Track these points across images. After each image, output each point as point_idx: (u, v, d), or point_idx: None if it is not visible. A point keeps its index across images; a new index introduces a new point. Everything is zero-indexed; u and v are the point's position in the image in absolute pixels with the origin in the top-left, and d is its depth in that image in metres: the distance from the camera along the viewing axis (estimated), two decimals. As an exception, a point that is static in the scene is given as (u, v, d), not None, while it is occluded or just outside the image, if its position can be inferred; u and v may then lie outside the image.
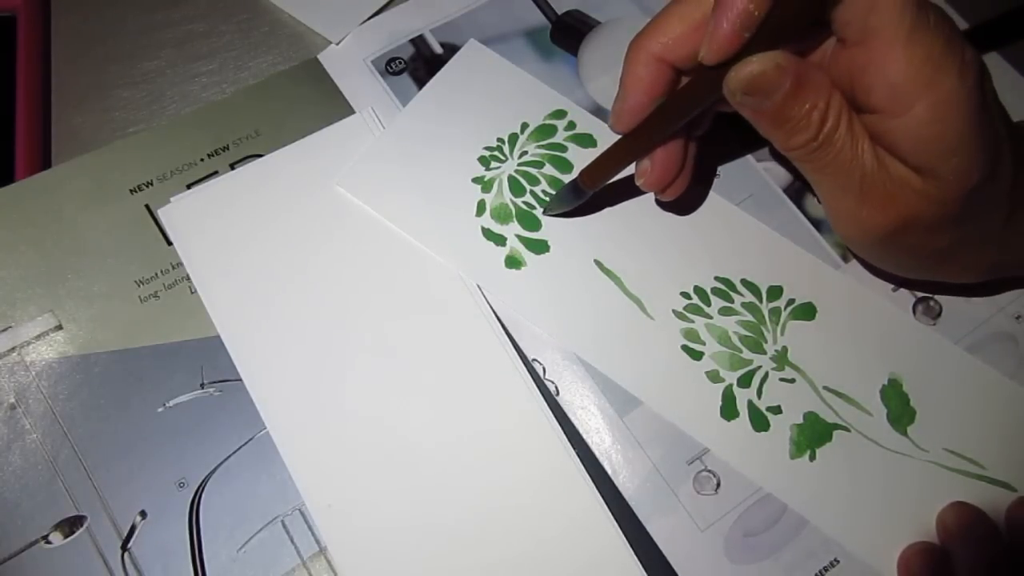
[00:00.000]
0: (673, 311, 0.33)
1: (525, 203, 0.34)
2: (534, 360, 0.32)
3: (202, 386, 0.31)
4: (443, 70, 0.37)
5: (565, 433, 0.30)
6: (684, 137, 0.30)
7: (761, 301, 0.33)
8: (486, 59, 0.38)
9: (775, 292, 0.33)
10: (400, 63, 0.38)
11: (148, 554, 0.28)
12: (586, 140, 0.36)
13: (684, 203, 0.34)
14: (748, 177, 0.36)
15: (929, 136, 0.24)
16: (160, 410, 0.30)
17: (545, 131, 0.36)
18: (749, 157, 0.36)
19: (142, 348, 0.31)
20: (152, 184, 0.34)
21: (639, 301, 0.33)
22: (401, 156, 0.35)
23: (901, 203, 0.26)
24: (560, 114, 0.36)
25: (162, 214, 0.33)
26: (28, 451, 0.30)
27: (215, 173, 0.35)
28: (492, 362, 0.31)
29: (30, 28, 0.38)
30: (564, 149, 0.36)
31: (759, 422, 0.31)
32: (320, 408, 0.30)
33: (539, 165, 0.35)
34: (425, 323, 0.32)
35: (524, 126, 0.36)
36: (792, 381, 0.32)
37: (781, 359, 0.32)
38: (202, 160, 0.35)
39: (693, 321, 0.33)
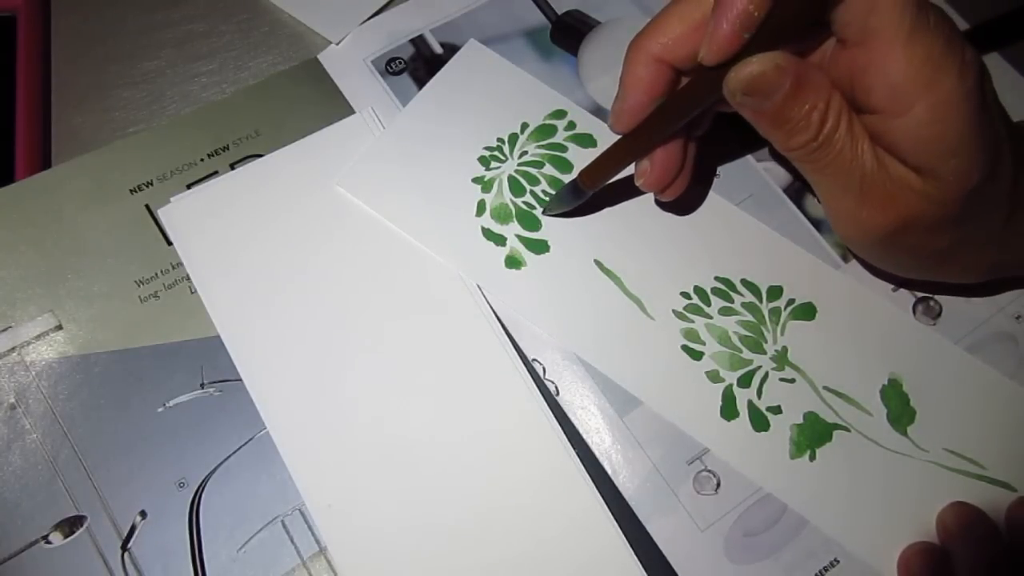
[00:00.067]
0: (673, 311, 0.33)
1: (525, 203, 0.34)
2: (534, 360, 0.32)
3: (202, 386, 0.31)
4: (443, 70, 0.37)
5: (565, 433, 0.30)
6: (684, 137, 0.30)
7: (761, 301, 0.33)
8: (486, 59, 0.38)
9: (775, 292, 0.33)
10: (400, 63, 0.38)
11: (148, 554, 0.28)
12: (586, 140, 0.36)
13: (684, 203, 0.34)
14: (748, 177, 0.36)
15: (929, 136, 0.24)
16: (160, 410, 0.30)
17: (545, 131, 0.36)
18: (749, 157, 0.36)
19: (142, 348, 0.31)
20: (152, 184, 0.34)
21: (639, 301, 0.33)
22: (401, 156, 0.35)
23: (901, 203, 0.26)
24: (560, 114, 0.36)
25: (162, 214, 0.33)
26: (28, 451, 0.30)
27: (215, 173, 0.35)
28: (492, 362, 0.31)
29: (30, 28, 0.38)
30: (564, 149, 0.36)
31: (759, 422, 0.31)
32: (320, 408, 0.30)
33: (539, 165, 0.35)
34: (425, 323, 0.32)
35: (524, 126, 0.36)
36: (792, 381, 0.32)
37: (781, 359, 0.32)
38: (202, 160, 0.35)
39: (693, 321, 0.33)
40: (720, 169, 0.36)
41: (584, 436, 0.31)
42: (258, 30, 0.40)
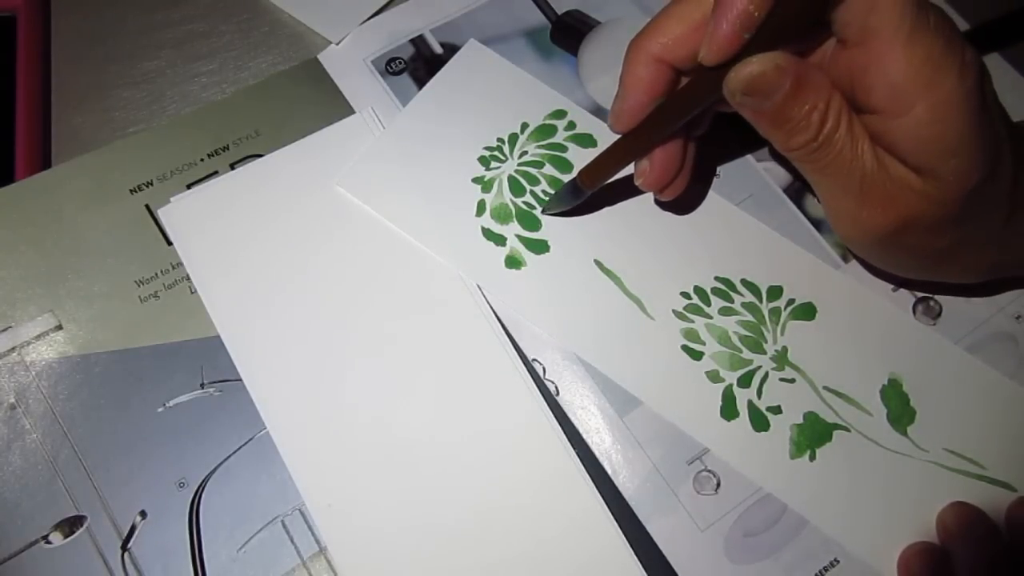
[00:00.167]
0: (673, 311, 0.33)
1: (525, 203, 0.34)
2: (534, 360, 0.32)
3: (202, 386, 0.31)
4: (443, 70, 0.37)
5: (565, 433, 0.30)
6: (683, 137, 0.30)
7: (761, 301, 0.33)
8: (486, 59, 0.38)
9: (775, 292, 0.33)
10: (400, 63, 0.38)
11: (148, 554, 0.28)
12: (586, 140, 0.36)
13: (684, 203, 0.34)
14: (748, 177, 0.36)
15: (929, 136, 0.24)
16: (160, 410, 0.30)
17: (545, 131, 0.36)
18: (749, 157, 0.36)
19: (142, 348, 0.31)
20: (152, 184, 0.34)
21: (639, 301, 0.33)
22: (401, 156, 0.35)
23: (901, 203, 0.26)
24: (560, 114, 0.36)
25: (162, 214, 0.33)
26: (28, 451, 0.30)
27: (215, 173, 0.35)
28: (492, 362, 0.31)
29: (30, 28, 0.38)
30: (564, 149, 0.36)
31: (759, 422, 0.31)
32: (320, 408, 0.30)
33: (539, 165, 0.35)
34: (425, 323, 0.32)
35: (524, 126, 0.36)
36: (792, 381, 0.32)
37: (781, 359, 0.32)
38: (202, 160, 0.35)
39: (693, 321, 0.33)
40: (720, 169, 0.36)
41: (584, 436, 0.31)
42: (258, 30, 0.40)
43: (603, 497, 0.29)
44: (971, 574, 0.27)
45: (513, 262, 0.33)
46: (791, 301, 0.33)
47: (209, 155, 0.35)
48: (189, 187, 0.34)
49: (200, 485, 0.29)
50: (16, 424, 0.30)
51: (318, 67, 0.38)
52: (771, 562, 0.29)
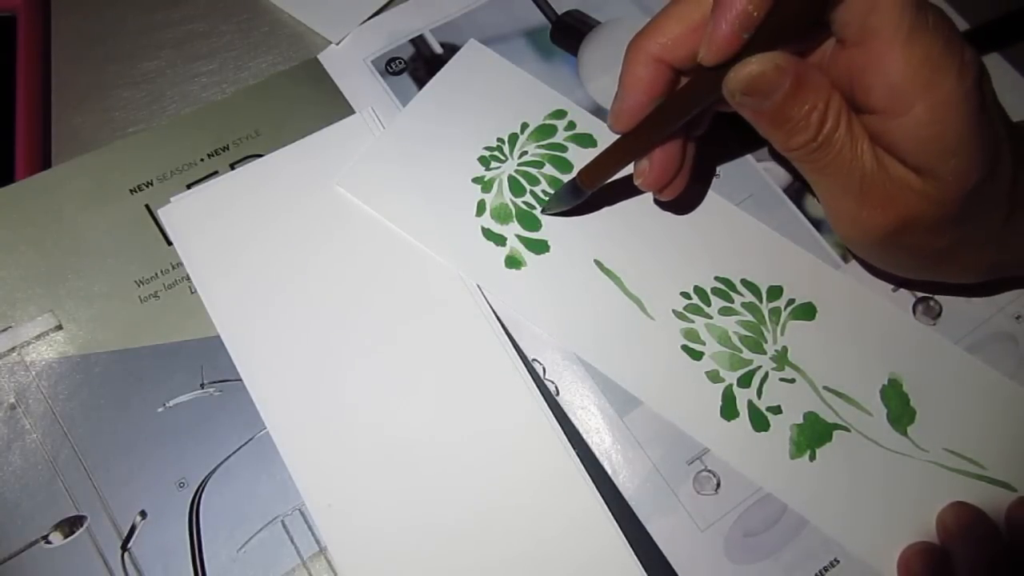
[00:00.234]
0: (673, 311, 0.33)
1: (525, 203, 0.34)
2: (534, 360, 0.32)
3: (202, 386, 0.31)
4: (443, 70, 0.37)
5: (565, 433, 0.30)
6: (683, 137, 0.30)
7: (761, 301, 0.33)
8: (486, 59, 0.38)
9: (775, 292, 0.33)
10: (400, 63, 0.38)
11: (148, 554, 0.28)
12: (586, 140, 0.36)
13: (684, 203, 0.34)
14: (748, 177, 0.36)
15: (928, 136, 0.24)
16: (160, 410, 0.30)
17: (545, 131, 0.36)
18: (749, 157, 0.36)
19: (142, 348, 0.31)
20: (152, 184, 0.34)
21: (639, 301, 0.33)
22: (401, 156, 0.35)
23: (901, 203, 0.26)
24: (560, 114, 0.36)
25: (162, 214, 0.33)
26: (28, 451, 0.30)
27: (215, 173, 0.35)
28: (492, 362, 0.31)
29: (30, 28, 0.38)
30: (564, 149, 0.36)
31: (759, 422, 0.31)
32: (320, 408, 0.30)
33: (539, 165, 0.35)
34: (425, 323, 0.32)
35: (524, 126, 0.36)
36: (792, 381, 0.32)
37: (781, 359, 0.32)
38: (202, 160, 0.35)
39: (693, 321, 0.33)
40: (720, 169, 0.36)
41: (584, 436, 0.31)
42: (258, 30, 0.40)
43: (603, 497, 0.29)
44: (971, 574, 0.27)
45: (513, 262, 0.33)
46: (791, 301, 0.33)
47: (209, 155, 0.35)
48: (189, 187, 0.34)
49: (200, 485, 0.29)
50: (16, 424, 0.30)
51: (318, 67, 0.38)
52: (771, 562, 0.29)
